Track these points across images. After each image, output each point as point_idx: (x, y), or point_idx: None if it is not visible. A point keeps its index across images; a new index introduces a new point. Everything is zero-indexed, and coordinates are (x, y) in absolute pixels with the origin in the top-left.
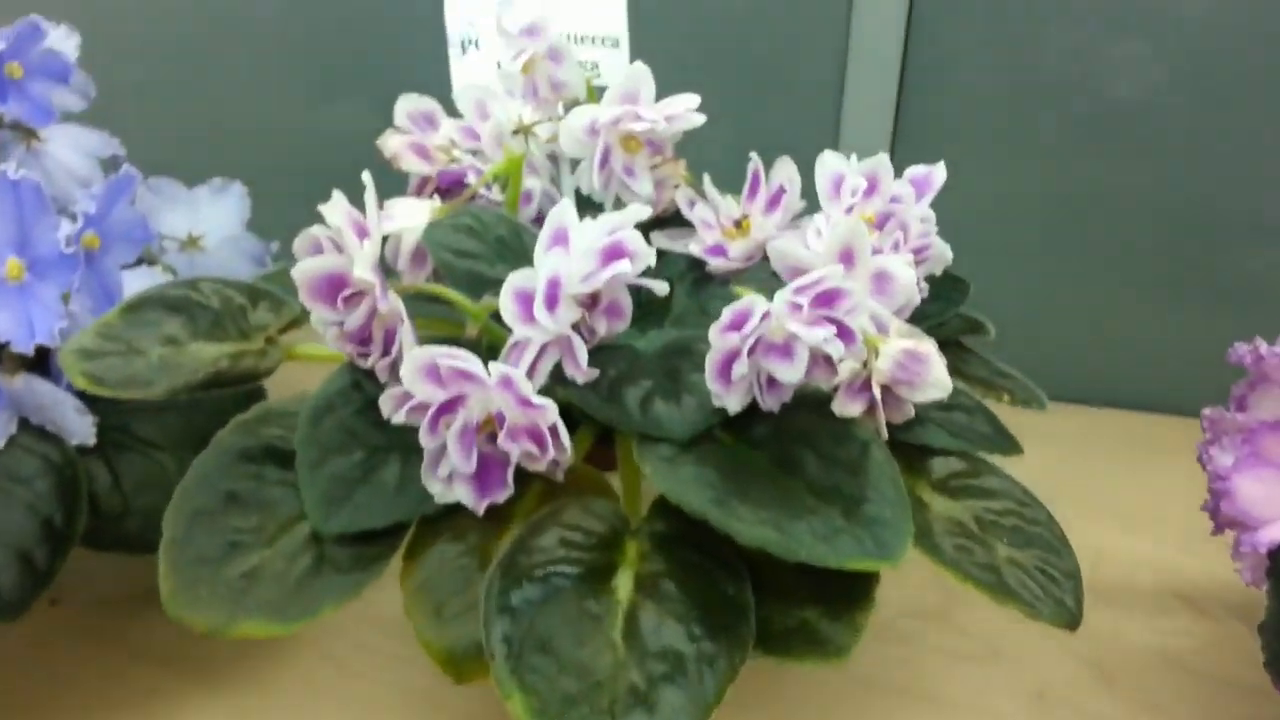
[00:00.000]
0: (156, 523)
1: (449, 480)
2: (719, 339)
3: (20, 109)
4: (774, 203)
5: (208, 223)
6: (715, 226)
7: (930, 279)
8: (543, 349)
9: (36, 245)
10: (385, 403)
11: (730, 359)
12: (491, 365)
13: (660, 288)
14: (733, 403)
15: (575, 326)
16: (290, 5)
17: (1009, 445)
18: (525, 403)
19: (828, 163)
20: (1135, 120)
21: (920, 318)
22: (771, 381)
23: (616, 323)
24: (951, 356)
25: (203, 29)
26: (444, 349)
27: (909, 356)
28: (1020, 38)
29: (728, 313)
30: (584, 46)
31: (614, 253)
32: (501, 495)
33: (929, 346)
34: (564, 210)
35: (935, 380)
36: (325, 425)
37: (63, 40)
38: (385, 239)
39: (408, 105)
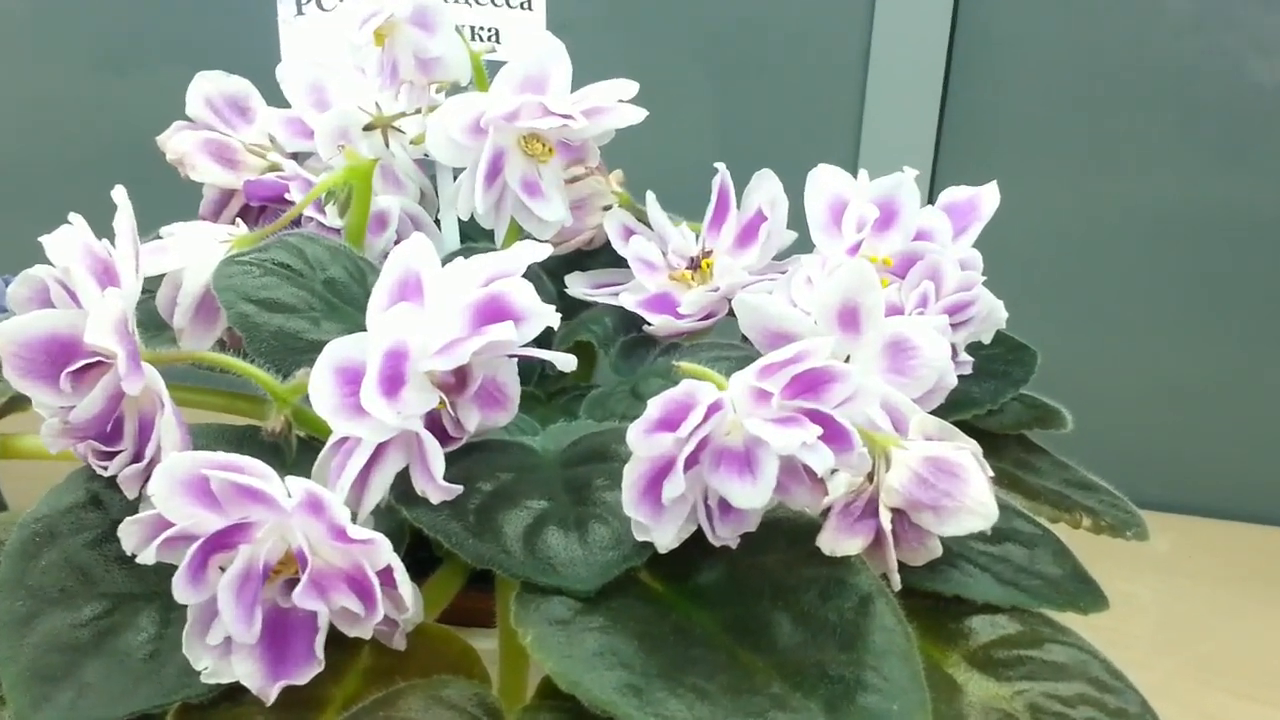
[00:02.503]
0: None
1: (225, 649)
2: (644, 442)
3: None
4: (748, 234)
5: None
6: (661, 268)
7: (976, 348)
8: (378, 452)
9: None
10: (129, 533)
11: (661, 473)
12: (291, 480)
13: (564, 362)
14: (664, 536)
15: (433, 418)
16: None
17: (1088, 598)
18: (341, 535)
19: (823, 182)
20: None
21: (962, 404)
22: (726, 505)
23: (495, 413)
24: (1009, 461)
25: None
26: (218, 455)
27: (934, 468)
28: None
29: (656, 405)
30: (481, 8)
31: (491, 312)
32: (305, 673)
33: (965, 454)
34: (414, 248)
35: (973, 504)
36: (42, 562)
37: None
38: (157, 282)
39: (206, 87)
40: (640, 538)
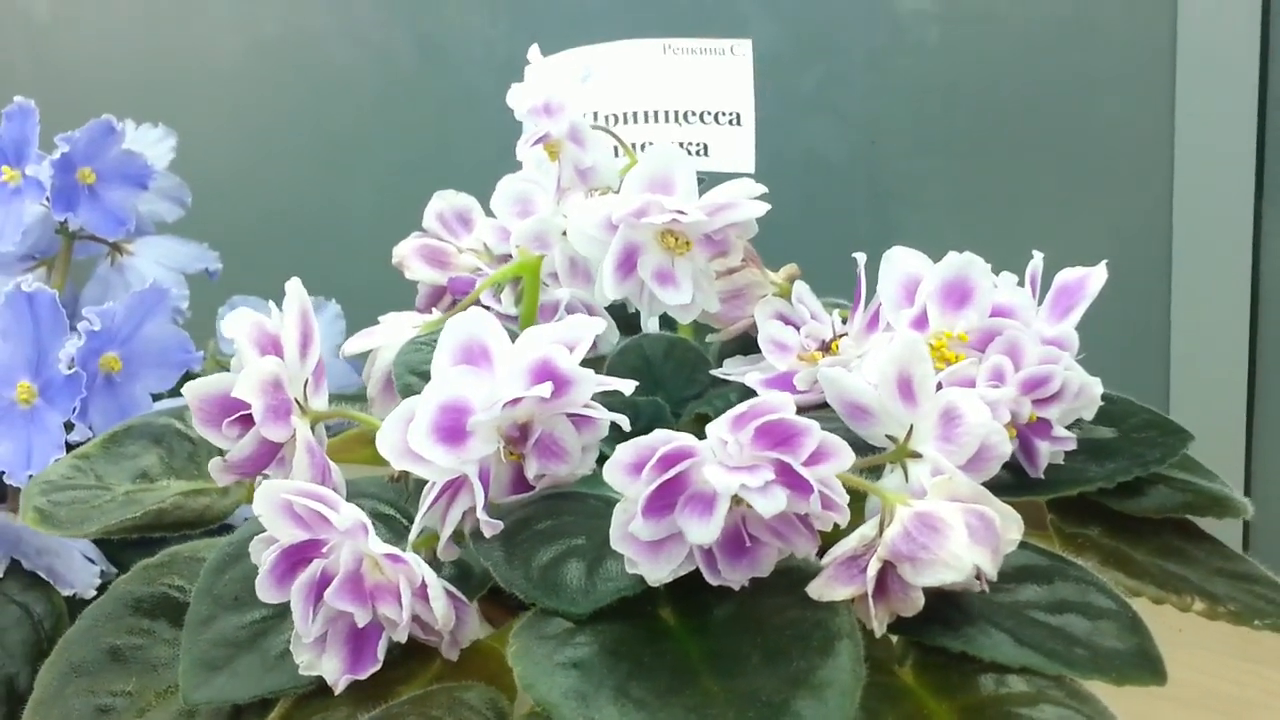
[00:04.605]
0: None
1: (319, 648)
2: (625, 482)
3: (90, 218)
4: (875, 318)
5: None
6: (793, 349)
7: (1130, 428)
8: (452, 490)
9: (51, 366)
10: (256, 548)
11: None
12: (345, 507)
13: (619, 421)
14: (656, 572)
15: (516, 468)
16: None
17: (1131, 669)
18: (390, 557)
19: (898, 262)
20: None
21: (1064, 481)
22: (733, 550)
23: (553, 464)
24: (1147, 548)
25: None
26: (302, 485)
27: (920, 523)
28: None
29: (628, 450)
30: (690, 125)
31: (541, 374)
32: (367, 670)
33: (955, 511)
34: (474, 318)
35: (948, 557)
36: (228, 577)
37: (154, 142)
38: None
39: (440, 204)
40: (630, 571)
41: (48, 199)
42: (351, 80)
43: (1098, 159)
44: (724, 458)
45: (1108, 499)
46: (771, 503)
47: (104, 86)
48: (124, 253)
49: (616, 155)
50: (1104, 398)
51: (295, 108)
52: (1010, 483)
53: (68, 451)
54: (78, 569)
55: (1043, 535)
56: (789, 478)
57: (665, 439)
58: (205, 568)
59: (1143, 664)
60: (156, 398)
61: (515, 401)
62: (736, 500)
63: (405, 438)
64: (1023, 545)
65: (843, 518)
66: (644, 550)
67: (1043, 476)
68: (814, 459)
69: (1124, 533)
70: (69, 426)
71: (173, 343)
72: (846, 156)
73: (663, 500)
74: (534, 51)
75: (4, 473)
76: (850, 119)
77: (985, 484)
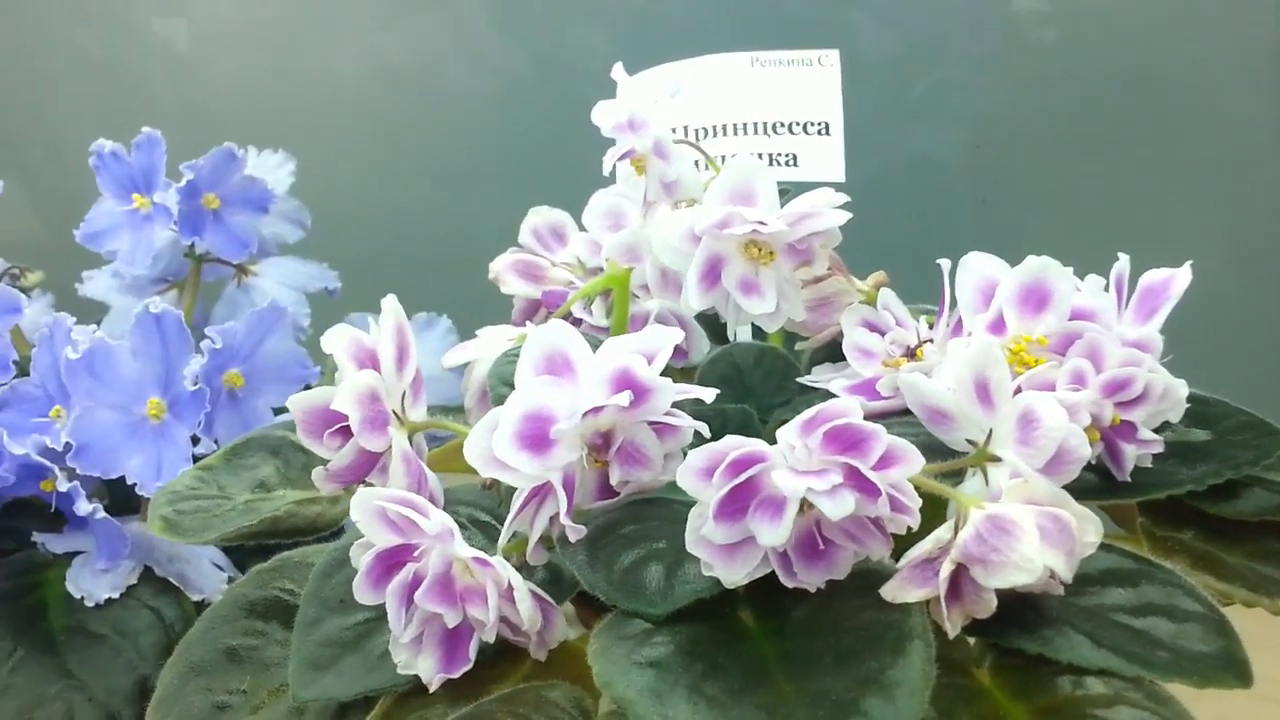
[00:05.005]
0: None
1: (415, 648)
2: (697, 486)
3: (214, 242)
4: (961, 324)
5: None
6: (878, 355)
7: (1225, 430)
8: (540, 495)
9: (179, 383)
10: (355, 551)
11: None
12: (435, 512)
13: (700, 428)
14: (731, 574)
15: (602, 474)
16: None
17: (1214, 672)
18: (475, 559)
19: (974, 267)
20: None
21: (1155, 485)
22: (808, 553)
23: (636, 470)
24: (1243, 552)
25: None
26: (395, 492)
27: (991, 525)
28: None
29: (699, 455)
30: (779, 136)
31: (621, 383)
32: (460, 669)
33: (1027, 514)
34: (559, 330)
35: (1019, 559)
36: (334, 581)
37: (273, 168)
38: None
39: (534, 220)
40: (706, 574)
41: (175, 224)
42: (470, 101)
43: (1213, 156)
44: (793, 462)
45: (1202, 502)
46: (839, 506)
47: (239, 114)
48: (249, 274)
49: (704, 169)
50: (1199, 400)
51: (416, 131)
52: (1097, 486)
53: (194, 463)
54: (206, 575)
55: (1133, 539)
56: (857, 481)
57: (735, 444)
58: (313, 572)
59: (1228, 667)
60: (278, 412)
61: (596, 410)
62: (808, 504)
63: (490, 446)
64: (1110, 549)
65: (914, 520)
66: (718, 553)
67: (1130, 479)
68: (883, 463)
69: (1219, 536)
70: (195, 440)
71: (291, 359)
72: (958, 160)
73: (734, 504)
74: (618, 70)
75: (136, 484)
76: (961, 123)
77: (1071, 487)
